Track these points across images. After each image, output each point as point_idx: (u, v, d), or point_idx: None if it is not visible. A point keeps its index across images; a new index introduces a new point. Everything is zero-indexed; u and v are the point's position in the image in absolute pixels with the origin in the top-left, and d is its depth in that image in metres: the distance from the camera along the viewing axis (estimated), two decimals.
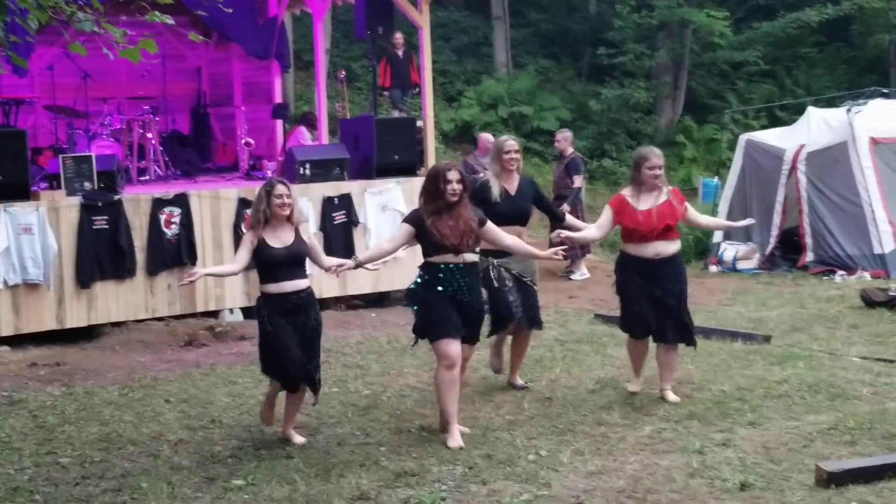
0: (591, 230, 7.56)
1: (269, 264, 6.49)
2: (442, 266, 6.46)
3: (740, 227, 7.45)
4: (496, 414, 7.08)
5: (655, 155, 7.21)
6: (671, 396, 7.25)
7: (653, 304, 7.18)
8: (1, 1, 4.15)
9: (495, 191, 7.45)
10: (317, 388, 6.63)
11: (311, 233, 11.06)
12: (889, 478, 5.47)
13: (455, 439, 6.41)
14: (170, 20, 4.82)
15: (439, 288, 6.45)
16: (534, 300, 7.57)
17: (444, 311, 6.45)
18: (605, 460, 6.04)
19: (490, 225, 6.67)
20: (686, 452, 6.10)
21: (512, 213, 7.42)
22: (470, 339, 6.67)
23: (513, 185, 7.57)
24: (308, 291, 6.60)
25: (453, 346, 6.44)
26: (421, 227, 6.47)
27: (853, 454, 5.97)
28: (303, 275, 6.61)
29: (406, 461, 6.13)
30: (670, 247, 7.19)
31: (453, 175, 6.46)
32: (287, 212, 6.50)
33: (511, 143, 7.67)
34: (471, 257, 6.54)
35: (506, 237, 6.80)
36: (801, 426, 6.51)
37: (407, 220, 6.66)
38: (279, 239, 6.50)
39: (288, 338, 6.44)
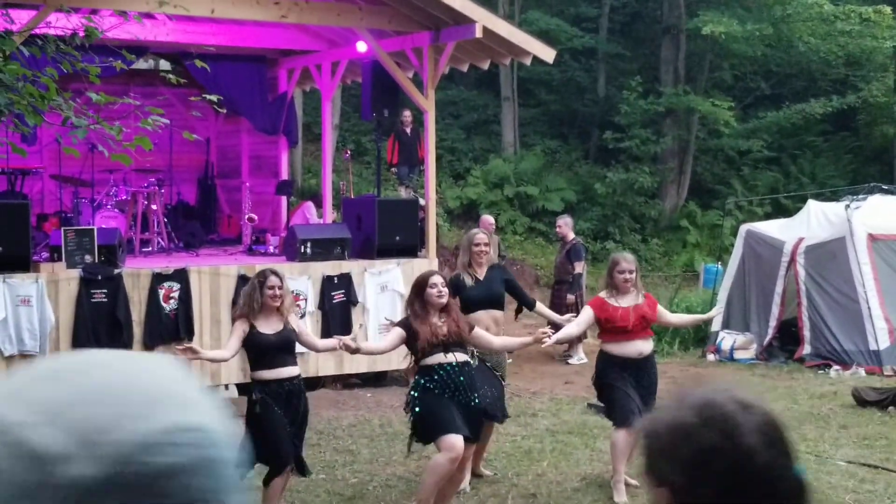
0: (570, 326, 7.82)
1: (261, 350, 6.69)
2: (436, 367, 6.59)
3: (711, 317, 8.07)
4: None
5: (626, 260, 7.61)
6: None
7: (638, 395, 7.43)
8: None
9: (467, 279, 7.79)
10: (304, 468, 6.89)
11: (306, 313, 11.26)
12: None
13: None
14: (165, 121, 4.95)
15: (436, 391, 6.55)
16: (502, 394, 7.83)
17: (447, 411, 6.53)
18: None
19: (478, 331, 6.90)
20: None
21: (485, 297, 7.77)
22: (470, 438, 6.74)
23: (482, 272, 7.92)
24: (300, 378, 6.83)
25: (460, 441, 6.50)
26: (410, 329, 6.66)
27: None
28: (294, 362, 6.83)
29: None
30: (648, 345, 7.56)
31: (437, 279, 6.73)
32: (278, 303, 6.70)
33: (481, 236, 8.10)
34: (462, 356, 6.67)
35: (494, 341, 7.10)
36: None
37: (399, 323, 6.95)
38: (270, 326, 6.71)
39: (278, 421, 6.61)
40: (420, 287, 6.73)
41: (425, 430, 6.63)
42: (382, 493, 7.55)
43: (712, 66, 24.35)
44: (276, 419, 6.61)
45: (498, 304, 7.91)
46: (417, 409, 6.61)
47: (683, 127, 23.09)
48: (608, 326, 7.48)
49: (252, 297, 6.72)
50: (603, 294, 7.62)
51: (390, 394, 11.68)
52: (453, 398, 6.55)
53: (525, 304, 8.64)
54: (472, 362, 6.86)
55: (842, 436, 9.35)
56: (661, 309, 7.79)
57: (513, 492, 7.50)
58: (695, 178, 23.83)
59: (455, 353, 6.61)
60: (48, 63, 5.33)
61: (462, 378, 6.60)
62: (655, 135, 22.69)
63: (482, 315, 7.61)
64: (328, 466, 8.30)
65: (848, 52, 23.05)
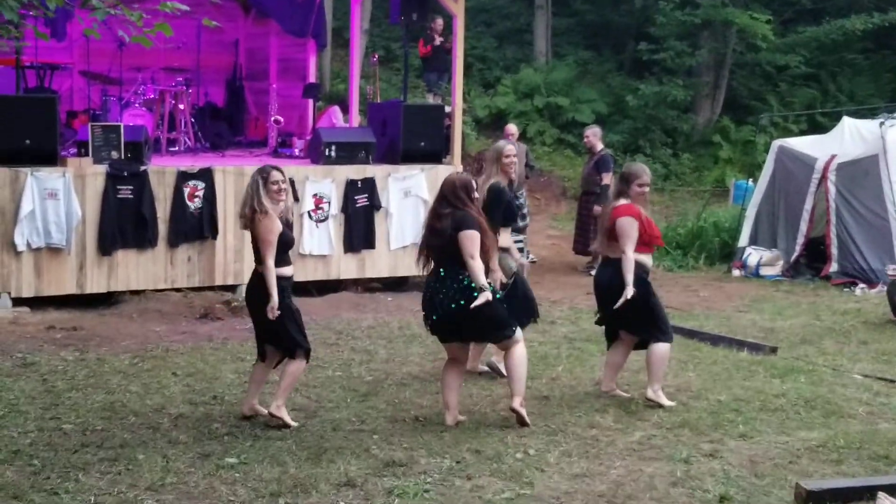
0: None
1: (285, 247, 6.71)
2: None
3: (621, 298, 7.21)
4: (492, 409, 7.18)
5: (646, 174, 7.39)
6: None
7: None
8: None
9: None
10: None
11: (329, 216, 11.31)
12: (868, 499, 5.48)
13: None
14: (185, 7, 4.92)
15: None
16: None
17: None
18: (591, 463, 6.12)
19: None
20: (672, 461, 6.16)
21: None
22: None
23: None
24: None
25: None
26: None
27: (837, 473, 6.01)
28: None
29: (396, 451, 6.24)
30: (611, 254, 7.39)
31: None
32: (283, 196, 6.64)
33: (510, 147, 8.01)
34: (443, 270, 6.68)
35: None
36: (790, 442, 6.55)
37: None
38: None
39: None
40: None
41: None
42: (396, 390, 7.64)
43: None
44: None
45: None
46: None
47: (720, 40, 22.64)
48: (646, 238, 7.26)
49: (259, 196, 6.52)
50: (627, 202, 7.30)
51: (411, 298, 11.71)
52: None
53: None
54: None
55: (861, 351, 9.34)
56: (618, 227, 7.30)
57: (526, 394, 7.53)
58: (730, 93, 23.44)
59: (439, 267, 6.73)
60: None
61: (436, 285, 6.73)
62: (691, 47, 22.26)
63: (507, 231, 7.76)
64: (345, 364, 8.41)
65: None
